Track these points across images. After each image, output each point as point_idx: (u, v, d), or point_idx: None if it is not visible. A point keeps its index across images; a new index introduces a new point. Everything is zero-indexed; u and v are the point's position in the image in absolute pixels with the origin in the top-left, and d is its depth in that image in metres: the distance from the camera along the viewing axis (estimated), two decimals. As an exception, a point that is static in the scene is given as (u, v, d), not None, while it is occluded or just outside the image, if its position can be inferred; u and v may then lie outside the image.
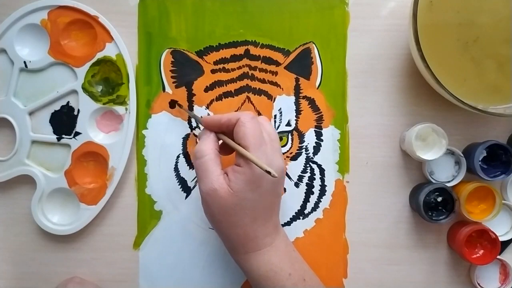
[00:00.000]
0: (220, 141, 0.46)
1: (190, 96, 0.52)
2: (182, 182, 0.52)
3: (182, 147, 0.52)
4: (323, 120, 0.52)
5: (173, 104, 0.52)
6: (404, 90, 0.52)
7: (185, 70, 0.52)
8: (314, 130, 0.52)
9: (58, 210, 0.52)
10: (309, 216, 0.52)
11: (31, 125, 0.52)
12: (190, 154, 0.52)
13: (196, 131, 0.52)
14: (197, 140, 0.47)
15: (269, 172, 0.40)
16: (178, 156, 0.52)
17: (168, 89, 0.52)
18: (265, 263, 0.44)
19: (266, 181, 0.43)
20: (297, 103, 0.52)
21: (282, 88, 0.52)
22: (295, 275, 0.44)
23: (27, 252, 0.52)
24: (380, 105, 0.52)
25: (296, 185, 0.52)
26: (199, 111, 0.52)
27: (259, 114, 0.52)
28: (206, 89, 0.52)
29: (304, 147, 0.52)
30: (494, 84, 0.47)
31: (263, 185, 0.43)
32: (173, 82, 0.52)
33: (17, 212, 0.52)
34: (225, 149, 0.48)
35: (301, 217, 0.52)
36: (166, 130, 0.52)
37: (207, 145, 0.44)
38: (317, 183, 0.52)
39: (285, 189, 0.52)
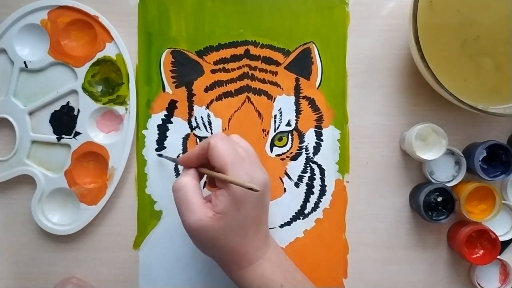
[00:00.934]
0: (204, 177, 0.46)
1: (190, 96, 0.52)
2: (182, 182, 0.52)
3: (182, 147, 0.52)
4: (323, 120, 0.52)
5: (173, 104, 0.52)
6: (404, 90, 0.52)
7: (185, 70, 0.52)
8: (314, 130, 0.52)
9: (58, 210, 0.52)
10: (309, 216, 0.52)
11: (31, 125, 0.52)
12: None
13: (196, 131, 0.52)
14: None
15: (251, 188, 0.40)
16: (178, 156, 0.52)
17: (168, 89, 0.52)
18: (258, 277, 0.44)
19: (250, 197, 0.42)
20: (297, 103, 0.52)
21: (282, 88, 0.52)
22: (287, 286, 0.44)
23: (27, 252, 0.52)
24: (380, 105, 0.52)
25: (296, 185, 0.52)
26: (199, 111, 0.52)
27: (259, 114, 0.52)
28: (206, 89, 0.52)
29: (304, 147, 0.52)
30: (494, 84, 0.47)
31: (248, 202, 0.42)
32: (173, 82, 0.52)
33: (17, 212, 0.52)
34: (213, 183, 0.47)
35: (301, 217, 0.52)
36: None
37: (185, 177, 0.43)
38: (317, 183, 0.52)
39: (285, 189, 0.52)
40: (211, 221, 0.41)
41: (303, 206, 0.52)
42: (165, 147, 0.52)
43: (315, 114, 0.52)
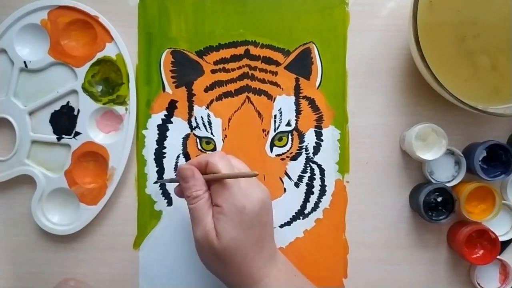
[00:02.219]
0: None
1: (190, 96, 0.52)
2: (182, 182, 0.52)
3: (182, 147, 0.52)
4: (323, 120, 0.52)
5: (173, 104, 0.52)
6: (404, 90, 0.52)
7: (185, 70, 0.52)
8: (314, 130, 0.52)
9: (58, 210, 0.52)
10: (309, 216, 0.52)
11: (31, 125, 0.52)
12: (190, 154, 0.52)
13: (196, 131, 0.52)
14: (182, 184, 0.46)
15: (250, 175, 0.42)
16: (178, 156, 0.52)
17: (168, 89, 0.52)
18: None
19: (246, 215, 0.42)
20: (297, 103, 0.52)
21: (282, 88, 0.52)
22: None
23: (27, 252, 0.52)
24: (380, 105, 0.52)
25: (296, 185, 0.52)
26: (199, 111, 0.52)
27: (259, 114, 0.52)
28: (206, 89, 0.52)
29: (304, 147, 0.52)
30: (494, 84, 0.47)
31: (245, 219, 0.42)
32: (173, 82, 0.52)
33: (17, 212, 0.52)
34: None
35: (301, 217, 0.52)
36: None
37: (199, 186, 0.44)
38: (317, 183, 0.52)
39: (285, 189, 0.52)
40: (214, 238, 0.42)
41: (303, 206, 0.52)
42: (165, 147, 0.52)
43: (315, 114, 0.52)
